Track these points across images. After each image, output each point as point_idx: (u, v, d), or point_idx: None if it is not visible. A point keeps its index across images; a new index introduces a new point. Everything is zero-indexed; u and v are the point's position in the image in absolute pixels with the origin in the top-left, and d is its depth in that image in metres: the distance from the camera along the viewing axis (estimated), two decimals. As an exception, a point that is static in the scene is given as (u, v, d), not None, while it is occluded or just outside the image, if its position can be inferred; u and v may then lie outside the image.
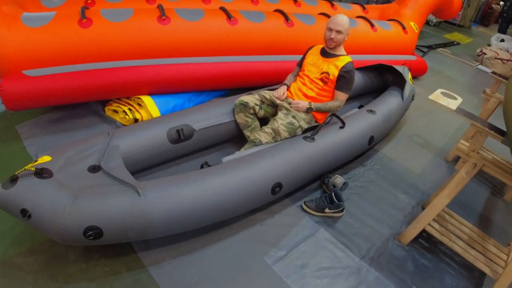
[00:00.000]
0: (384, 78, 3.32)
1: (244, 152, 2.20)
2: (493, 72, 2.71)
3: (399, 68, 3.08)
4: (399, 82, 3.11)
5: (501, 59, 5.12)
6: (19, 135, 2.51)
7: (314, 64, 2.44)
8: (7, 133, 2.49)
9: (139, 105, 2.68)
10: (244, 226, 2.06)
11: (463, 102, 3.47)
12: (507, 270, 1.82)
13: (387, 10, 4.17)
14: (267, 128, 2.30)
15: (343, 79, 2.33)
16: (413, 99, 3.12)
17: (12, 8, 2.44)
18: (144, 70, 2.59)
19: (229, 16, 2.85)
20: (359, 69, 3.27)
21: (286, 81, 2.57)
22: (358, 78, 3.19)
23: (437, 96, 1.93)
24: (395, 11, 4.00)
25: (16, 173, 1.60)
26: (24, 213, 1.52)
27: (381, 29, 3.52)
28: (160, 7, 2.71)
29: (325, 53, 2.42)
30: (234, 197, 1.88)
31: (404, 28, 3.70)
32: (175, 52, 2.72)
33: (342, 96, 2.37)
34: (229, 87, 3.00)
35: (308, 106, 2.32)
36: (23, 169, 1.61)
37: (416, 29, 3.82)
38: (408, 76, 3.07)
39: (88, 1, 2.98)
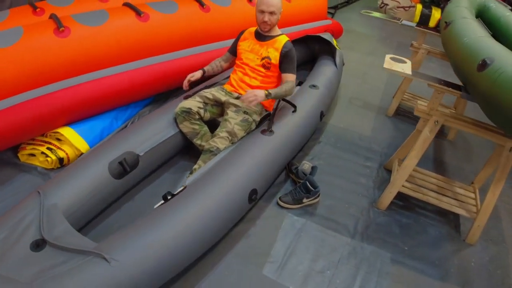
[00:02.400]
0: (310, 49, 3.18)
1: (205, 166, 1.87)
2: (418, 25, 2.73)
3: (325, 36, 2.95)
4: (326, 50, 3.00)
5: (403, 7, 5.33)
6: None
7: (252, 50, 2.15)
8: None
9: (59, 140, 2.12)
10: (230, 245, 1.78)
11: (377, 64, 3.55)
12: (483, 207, 1.87)
13: None
14: (221, 132, 1.99)
15: (286, 60, 2.10)
16: (344, 64, 3.05)
17: None
18: (53, 96, 2.04)
19: (138, 12, 2.37)
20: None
21: (206, 67, 2.26)
22: (288, 54, 3.00)
23: (390, 63, 1.83)
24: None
25: None
26: None
27: (295, -1, 3.33)
28: (54, 17, 2.12)
29: (260, 37, 2.15)
30: (213, 220, 1.58)
31: (312, -7, 3.56)
32: (82, 67, 2.15)
33: (291, 77, 2.14)
34: (155, 92, 2.57)
35: (266, 93, 2.01)
36: None
37: (324, -8, 3.72)
38: (333, 42, 2.97)
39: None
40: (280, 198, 2.03)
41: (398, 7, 5.45)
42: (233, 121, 2.01)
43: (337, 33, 3.80)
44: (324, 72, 2.72)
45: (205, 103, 2.13)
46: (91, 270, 1.23)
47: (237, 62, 2.22)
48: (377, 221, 2.01)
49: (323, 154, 2.44)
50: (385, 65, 1.80)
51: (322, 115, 2.44)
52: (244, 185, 1.75)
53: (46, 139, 2.12)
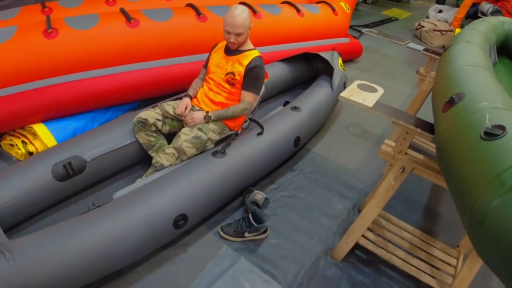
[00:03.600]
0: (313, 67, 2.89)
1: (141, 182, 1.75)
2: (426, 49, 2.29)
3: (325, 55, 2.64)
4: (328, 70, 2.68)
5: (440, 31, 4.75)
6: None
7: (218, 64, 1.98)
8: None
9: (34, 134, 2.18)
10: (152, 268, 1.62)
11: (392, 89, 3.04)
12: (456, 283, 1.46)
13: None
14: (168, 148, 1.85)
15: (249, 77, 1.89)
16: (345, 87, 2.70)
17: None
18: (33, 93, 2.08)
19: (128, 18, 2.35)
20: (284, 60, 2.81)
21: (190, 90, 2.08)
22: (284, 71, 2.75)
23: (350, 91, 1.51)
24: (323, -8, 3.54)
25: None
26: None
27: (309, 13, 3.05)
28: (46, 18, 2.19)
29: (229, 51, 1.96)
30: (128, 240, 1.45)
31: (334, 9, 3.24)
32: (67, 68, 2.19)
33: (248, 97, 1.93)
34: (140, 98, 2.52)
35: (205, 115, 1.86)
36: None
37: (348, 9, 3.37)
38: (338, 61, 2.64)
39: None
40: (221, 228, 1.81)
41: (434, 30, 4.81)
42: (184, 137, 1.85)
43: (354, 53, 3.42)
44: (315, 93, 2.41)
45: (165, 116, 2.01)
46: None
47: (206, 77, 2.06)
48: (325, 273, 1.68)
49: (291, 185, 2.14)
50: (343, 93, 1.48)
51: (297, 141, 2.15)
52: (170, 207, 1.58)
53: (24, 132, 2.17)
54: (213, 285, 1.58)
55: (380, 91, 1.58)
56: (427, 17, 5.72)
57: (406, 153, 1.46)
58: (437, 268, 1.62)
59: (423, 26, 4.97)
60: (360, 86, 1.58)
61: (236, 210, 1.95)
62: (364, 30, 2.66)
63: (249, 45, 1.97)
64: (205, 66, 2.12)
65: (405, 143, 1.45)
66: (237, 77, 1.91)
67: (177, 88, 2.55)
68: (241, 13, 1.81)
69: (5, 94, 2.04)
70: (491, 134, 0.81)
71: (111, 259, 1.43)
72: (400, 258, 1.65)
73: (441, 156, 1.00)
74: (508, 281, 0.70)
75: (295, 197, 2.07)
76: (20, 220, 1.72)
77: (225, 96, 1.97)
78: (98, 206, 1.62)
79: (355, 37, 3.71)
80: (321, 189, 2.15)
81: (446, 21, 5.30)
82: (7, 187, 1.62)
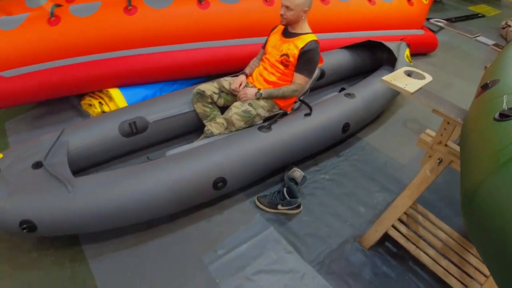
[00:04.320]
0: (378, 57, 2.84)
1: (192, 145, 1.99)
2: (495, 44, 2.13)
3: (391, 44, 2.59)
4: (392, 60, 2.63)
5: None
6: (5, 131, 2.57)
7: (275, 46, 2.12)
8: (-4, 129, 2.57)
9: (110, 98, 2.59)
10: (190, 222, 1.88)
11: (463, 89, 2.80)
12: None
13: None
14: (219, 118, 2.06)
15: (303, 59, 2.00)
16: (408, 79, 2.62)
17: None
18: (112, 62, 2.47)
19: (199, 0, 2.61)
20: (346, 47, 2.83)
21: (246, 69, 2.27)
22: (345, 58, 2.76)
23: (395, 76, 1.52)
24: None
25: None
26: None
27: (381, 2, 2.99)
28: None
29: (286, 33, 2.09)
30: (171, 192, 1.71)
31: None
32: (144, 42, 2.54)
33: (300, 79, 2.03)
34: (203, 75, 2.78)
35: (257, 92, 2.02)
36: None
37: (425, 0, 3.20)
38: (404, 52, 2.58)
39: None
40: (257, 198, 1.98)
41: None
42: (234, 109, 2.04)
43: (427, 46, 3.24)
44: (373, 82, 2.40)
45: (221, 90, 2.23)
46: (55, 192, 1.59)
47: (264, 56, 2.22)
48: (349, 257, 1.74)
49: (334, 169, 2.21)
50: (384, 77, 1.51)
51: (346, 127, 2.20)
52: (212, 170, 1.79)
53: (101, 95, 2.60)
54: (241, 246, 1.76)
55: (428, 78, 1.57)
56: None
57: (446, 145, 1.44)
58: (468, 274, 1.56)
59: (509, 26, 4.45)
60: (407, 72, 1.59)
61: (276, 184, 2.10)
62: (433, 20, 2.54)
63: (306, 28, 2.06)
64: (264, 46, 2.27)
65: (446, 134, 1.43)
66: (291, 59, 2.03)
67: (239, 67, 2.75)
68: None
69: (89, 60, 2.46)
70: (505, 116, 0.82)
71: (155, 205, 1.70)
72: (429, 256, 1.63)
73: (461, 140, 1.01)
74: (495, 265, 0.67)
75: (335, 182, 2.14)
76: (87, 166, 2.09)
77: (278, 76, 2.11)
78: (151, 160, 1.92)
79: (433, 31, 3.50)
80: (364, 178, 2.18)
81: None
82: (81, 136, 1.99)
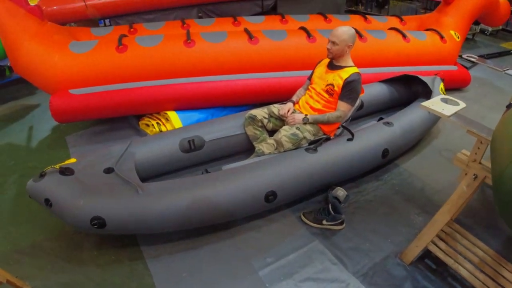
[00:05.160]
0: (413, 90, 3.12)
1: (245, 161, 2.28)
2: None
3: (426, 78, 2.87)
4: (428, 93, 2.90)
5: None
6: (67, 144, 2.97)
7: (321, 76, 2.44)
8: (58, 142, 2.98)
9: (167, 119, 2.95)
10: (241, 231, 2.14)
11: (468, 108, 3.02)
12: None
13: (427, 20, 3.90)
14: (270, 140, 2.36)
15: (346, 89, 2.29)
16: (443, 111, 2.87)
17: (63, 36, 2.92)
18: (171, 88, 2.88)
19: (250, 36, 3.01)
20: (384, 81, 3.13)
21: (294, 97, 2.58)
22: (383, 91, 3.06)
23: (432, 102, 1.79)
24: (435, 20, 3.73)
25: (44, 170, 1.95)
26: (47, 202, 1.85)
27: (415, 39, 3.32)
28: (187, 32, 3.00)
29: (331, 66, 2.41)
30: (226, 202, 1.98)
31: (442, 37, 3.43)
32: (200, 71, 2.95)
33: (343, 107, 2.32)
34: (251, 102, 3.13)
35: (304, 117, 2.32)
36: (50, 167, 1.96)
37: (458, 37, 3.51)
38: (439, 86, 2.85)
39: (131, 30, 3.42)
40: (303, 213, 2.22)
41: None
42: (283, 132, 2.33)
43: (461, 82, 3.49)
44: (411, 113, 2.67)
45: (270, 115, 2.54)
46: (125, 193, 1.89)
47: (309, 86, 2.54)
48: (391, 271, 1.93)
49: (374, 192, 2.44)
50: (424, 103, 1.78)
51: (385, 153, 2.44)
52: (264, 183, 2.06)
53: (159, 116, 2.99)
54: (289, 256, 1.98)
55: (462, 105, 1.82)
56: None
57: (480, 163, 1.67)
58: (502, 287, 1.72)
59: None
60: (443, 100, 1.85)
61: (319, 202, 2.34)
62: (465, 55, 2.82)
63: (349, 62, 2.38)
64: (309, 78, 2.60)
65: (480, 153, 1.66)
66: (335, 88, 2.33)
67: (283, 96, 3.09)
68: (343, 28, 2.27)
69: (150, 85, 2.87)
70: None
71: (214, 212, 1.97)
72: (467, 270, 1.80)
73: (491, 143, 1.27)
74: None
75: (376, 203, 2.36)
76: (149, 176, 2.42)
77: (322, 104, 2.41)
78: (209, 172, 2.22)
79: (465, 67, 3.78)
80: (403, 200, 2.39)
81: None
82: (145, 149, 2.35)
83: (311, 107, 2.44)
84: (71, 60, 2.76)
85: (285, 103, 2.55)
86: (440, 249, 1.89)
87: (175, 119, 2.90)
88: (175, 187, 1.96)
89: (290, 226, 2.17)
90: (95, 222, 1.79)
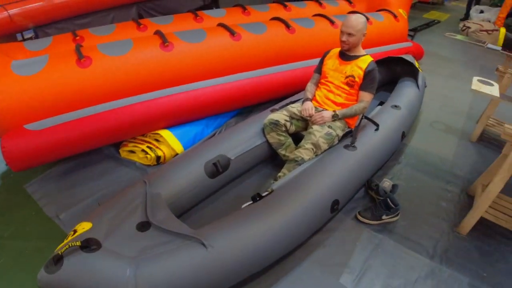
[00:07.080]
0: (391, 70, 3.47)
1: (290, 174, 2.18)
2: (503, 49, 2.92)
3: (407, 57, 3.22)
4: (408, 72, 3.26)
5: (486, 31, 5.53)
6: (30, 195, 2.36)
7: (336, 69, 2.49)
8: (16, 196, 2.35)
9: (157, 140, 2.60)
10: (308, 252, 2.06)
11: (460, 89, 3.66)
12: None
13: (374, 1, 4.33)
14: (307, 144, 2.32)
15: (367, 79, 2.39)
16: (425, 86, 3.29)
17: (-1, 57, 2.28)
18: (157, 102, 2.53)
19: (232, 32, 2.84)
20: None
21: (308, 94, 2.57)
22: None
23: (478, 85, 2.05)
24: (382, 1, 4.17)
25: (58, 251, 1.43)
26: None
27: (376, 21, 3.65)
28: (160, 33, 2.65)
29: (344, 56, 2.47)
30: (297, 223, 1.87)
31: (395, 16, 3.87)
32: (184, 77, 2.67)
33: (367, 97, 2.43)
34: (243, 105, 2.99)
35: (333, 114, 2.36)
36: (65, 245, 1.45)
37: (405, 15, 4.01)
38: (416, 64, 3.22)
39: (76, 38, 2.85)
40: (359, 213, 2.29)
41: (481, 30, 5.61)
42: (318, 134, 2.32)
43: (417, 55, 4.04)
44: (406, 93, 2.97)
45: (291, 117, 2.49)
46: (190, 252, 1.53)
47: (322, 80, 2.55)
48: (457, 245, 2.18)
49: (402, 175, 2.67)
50: (473, 87, 2.02)
51: (403, 135, 2.68)
52: (328, 194, 2.03)
53: (146, 139, 2.61)
54: (370, 260, 2.04)
55: (496, 85, 2.14)
56: (467, 17, 6.55)
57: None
58: None
59: (469, 27, 5.76)
60: (480, 81, 2.13)
61: (363, 198, 2.44)
62: (446, 34, 3.27)
63: (362, 50, 2.48)
64: (317, 71, 2.62)
65: (528, 126, 1.99)
66: (356, 79, 2.41)
67: (282, 94, 3.08)
68: (356, 17, 2.35)
69: (132, 102, 2.49)
70: None
71: (286, 241, 1.83)
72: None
73: None
74: None
75: (410, 185, 2.59)
76: (181, 213, 2.14)
77: (344, 97, 2.47)
78: (263, 197, 2.00)
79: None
80: (429, 176, 2.68)
81: (489, 21, 6.13)
82: (169, 184, 2.03)
83: (334, 102, 2.48)
84: (19, 86, 2.18)
85: (304, 102, 2.50)
86: (491, 214, 2.21)
87: (170, 138, 2.58)
88: (238, 226, 1.70)
89: (352, 231, 2.21)
90: None
